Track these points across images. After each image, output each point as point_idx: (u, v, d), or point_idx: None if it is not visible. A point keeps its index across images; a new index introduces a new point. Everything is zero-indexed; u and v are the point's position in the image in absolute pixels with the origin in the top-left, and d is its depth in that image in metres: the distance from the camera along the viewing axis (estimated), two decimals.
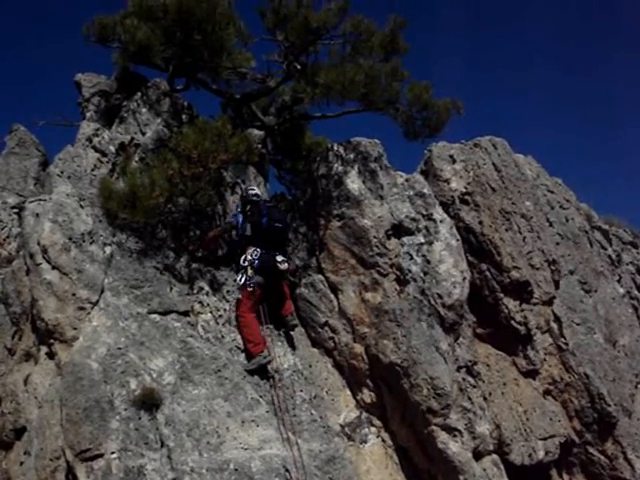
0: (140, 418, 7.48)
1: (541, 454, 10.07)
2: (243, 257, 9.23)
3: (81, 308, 8.11)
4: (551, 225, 12.08)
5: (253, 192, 9.73)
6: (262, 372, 8.66)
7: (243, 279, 9.05)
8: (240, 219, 9.52)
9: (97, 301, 8.23)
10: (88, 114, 10.42)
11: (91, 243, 8.57)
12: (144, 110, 10.18)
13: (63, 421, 7.39)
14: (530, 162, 13.01)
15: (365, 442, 9.15)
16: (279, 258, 9.28)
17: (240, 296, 9.11)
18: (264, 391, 8.49)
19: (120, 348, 7.90)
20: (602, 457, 10.72)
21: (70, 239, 8.42)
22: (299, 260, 10.15)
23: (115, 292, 8.39)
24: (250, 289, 8.96)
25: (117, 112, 10.41)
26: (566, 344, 10.91)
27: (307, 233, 10.25)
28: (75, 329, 7.98)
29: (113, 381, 7.59)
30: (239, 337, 8.91)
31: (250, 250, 9.21)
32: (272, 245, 9.33)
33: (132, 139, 9.84)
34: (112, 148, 9.76)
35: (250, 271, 9.05)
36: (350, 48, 10.46)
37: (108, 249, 8.69)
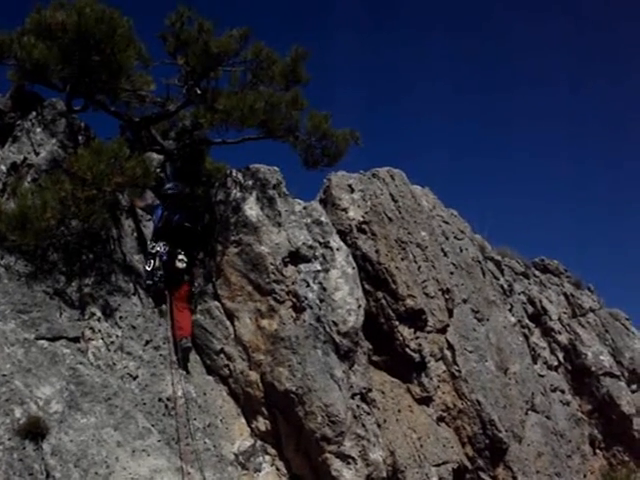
0: (25, 448, 7.18)
1: None
2: (152, 245, 9.64)
3: None
4: (446, 255, 12.38)
5: (168, 187, 10.16)
6: None
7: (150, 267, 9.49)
8: (159, 212, 9.91)
9: None
10: None
11: None
12: (39, 130, 9.88)
13: None
14: (427, 193, 13.33)
15: (259, 471, 9.06)
16: (180, 256, 9.63)
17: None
18: (156, 420, 8.33)
19: (5, 375, 7.57)
20: None
21: None
22: (195, 287, 10.03)
23: (1, 317, 8.04)
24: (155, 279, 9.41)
25: (11, 131, 10.08)
26: (459, 371, 11.14)
27: (204, 259, 10.16)
28: None
29: None
30: (131, 364, 8.71)
31: (161, 243, 9.60)
32: (179, 244, 9.68)
33: (25, 159, 9.53)
34: (3, 168, 9.43)
35: (158, 262, 9.46)
36: (251, 75, 10.53)
37: None
